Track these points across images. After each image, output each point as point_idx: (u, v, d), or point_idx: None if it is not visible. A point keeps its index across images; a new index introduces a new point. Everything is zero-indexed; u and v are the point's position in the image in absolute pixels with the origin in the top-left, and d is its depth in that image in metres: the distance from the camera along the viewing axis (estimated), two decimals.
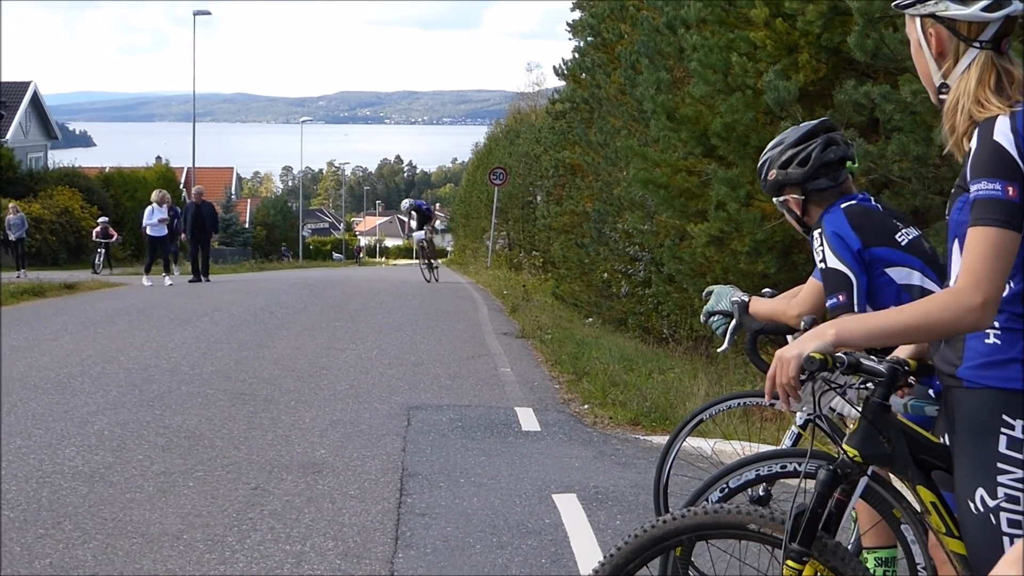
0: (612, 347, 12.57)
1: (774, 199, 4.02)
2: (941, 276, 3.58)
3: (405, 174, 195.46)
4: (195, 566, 4.86)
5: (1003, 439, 2.39)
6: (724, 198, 9.46)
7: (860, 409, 2.61)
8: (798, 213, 3.91)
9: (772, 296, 4.42)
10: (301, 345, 12.18)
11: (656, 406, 8.64)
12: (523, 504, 6.05)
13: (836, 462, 2.62)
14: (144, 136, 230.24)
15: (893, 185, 8.00)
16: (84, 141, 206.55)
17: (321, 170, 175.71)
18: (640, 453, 7.52)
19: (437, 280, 24.33)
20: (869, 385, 2.60)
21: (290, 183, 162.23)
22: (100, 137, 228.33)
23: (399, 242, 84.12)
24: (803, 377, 2.44)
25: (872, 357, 2.56)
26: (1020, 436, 2.37)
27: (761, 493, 3.46)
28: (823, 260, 3.58)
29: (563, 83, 26.47)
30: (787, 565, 2.59)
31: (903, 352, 2.77)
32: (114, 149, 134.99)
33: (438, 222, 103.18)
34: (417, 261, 29.30)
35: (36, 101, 46.10)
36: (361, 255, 78.99)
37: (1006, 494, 2.38)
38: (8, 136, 41.18)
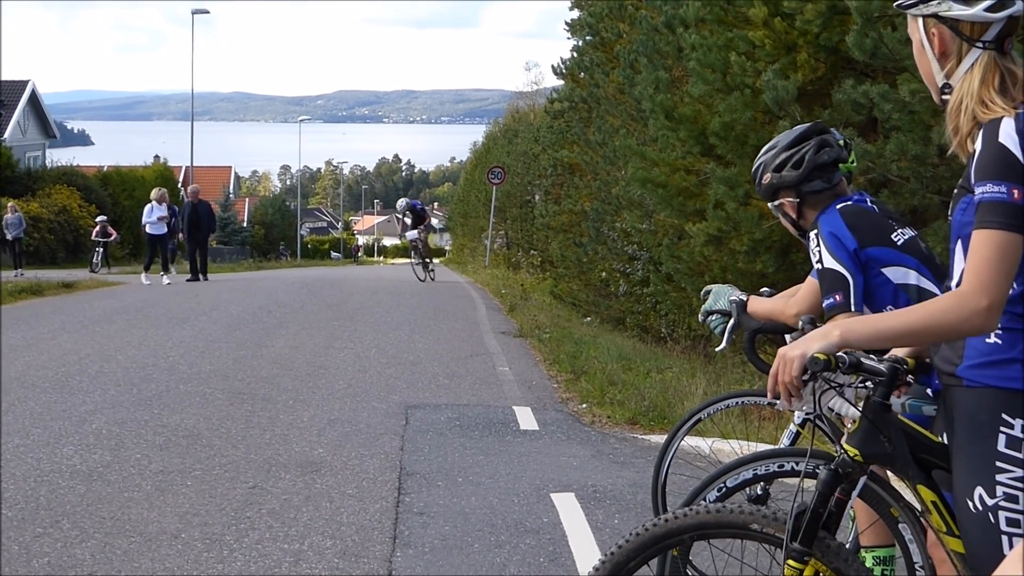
0: (610, 346, 12.57)
1: (769, 203, 4.02)
2: (937, 275, 3.59)
3: (403, 173, 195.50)
4: (193, 565, 4.86)
5: (1002, 438, 2.39)
6: (722, 197, 9.46)
7: (859, 408, 2.61)
8: (793, 216, 3.91)
9: (770, 295, 4.43)
10: (299, 344, 12.18)
11: (654, 405, 8.65)
12: (521, 503, 6.05)
13: (837, 461, 2.62)
14: (142, 135, 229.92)
15: (891, 184, 8.00)
16: (82, 140, 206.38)
17: (319, 169, 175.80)
18: (638, 452, 7.52)
19: (433, 280, 24.30)
20: (868, 384, 2.60)
21: (288, 182, 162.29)
22: (98, 136, 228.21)
23: (397, 241, 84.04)
24: (805, 377, 2.44)
25: (872, 356, 2.56)
26: (1019, 435, 2.37)
27: (759, 492, 3.46)
28: (819, 261, 3.59)
29: (561, 82, 26.46)
30: (788, 565, 2.59)
31: (901, 351, 2.77)
32: (112, 148, 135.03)
33: (436, 221, 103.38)
34: (408, 260, 29.26)
35: (34, 100, 46.08)
36: (359, 254, 78.99)
37: (1005, 493, 2.38)
38: (6, 135, 41.17)
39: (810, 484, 2.67)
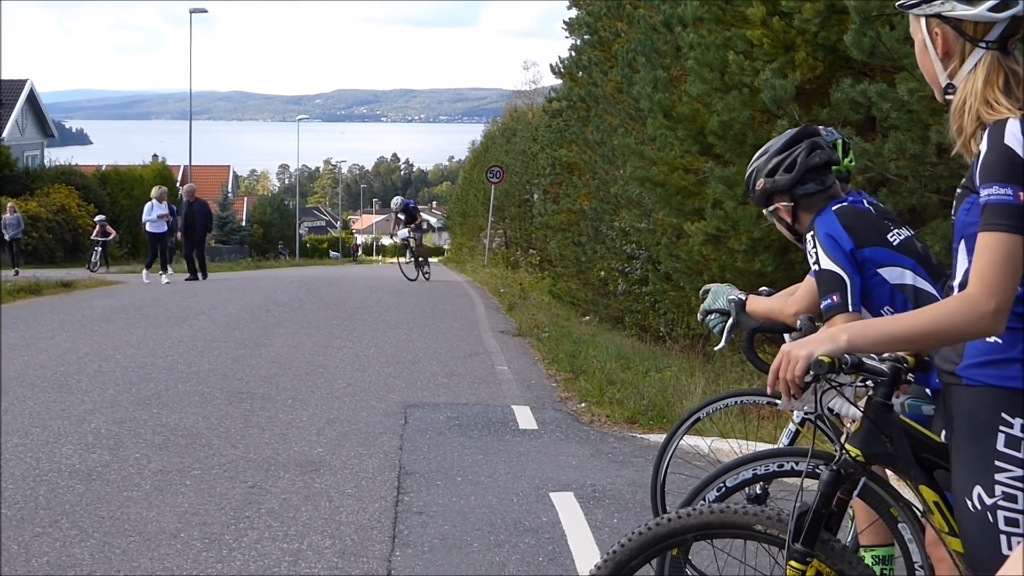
0: (609, 345, 12.57)
1: (764, 210, 4.02)
2: (934, 275, 3.59)
3: (402, 172, 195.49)
4: (192, 564, 4.86)
5: (1001, 437, 2.39)
6: (721, 196, 9.46)
7: (860, 408, 2.61)
8: (789, 221, 3.91)
9: (769, 294, 4.43)
10: (298, 343, 12.18)
11: (653, 404, 8.65)
12: (520, 502, 6.05)
13: (839, 462, 2.61)
14: (141, 134, 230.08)
15: (890, 183, 8.00)
16: (81, 139, 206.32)
17: (318, 168, 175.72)
18: (637, 451, 7.52)
19: (428, 279, 24.28)
20: (868, 383, 2.60)
21: (287, 181, 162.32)
22: (97, 135, 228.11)
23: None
24: (807, 379, 2.44)
25: (873, 356, 2.56)
26: (1018, 434, 2.37)
27: (758, 492, 3.46)
28: (816, 262, 3.59)
29: (560, 81, 26.45)
30: (790, 566, 2.58)
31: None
32: (111, 147, 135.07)
33: (434, 220, 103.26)
34: (396, 259, 29.23)
35: (32, 99, 46.02)
36: (358, 253, 78.97)
37: (1003, 492, 2.38)
38: (4, 134, 41.12)
39: (810, 484, 2.67)
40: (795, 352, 2.43)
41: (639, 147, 11.73)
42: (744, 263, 9.65)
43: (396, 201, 26.06)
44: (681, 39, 10.43)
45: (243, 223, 63.97)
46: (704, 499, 3.40)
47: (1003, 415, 2.39)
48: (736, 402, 4.71)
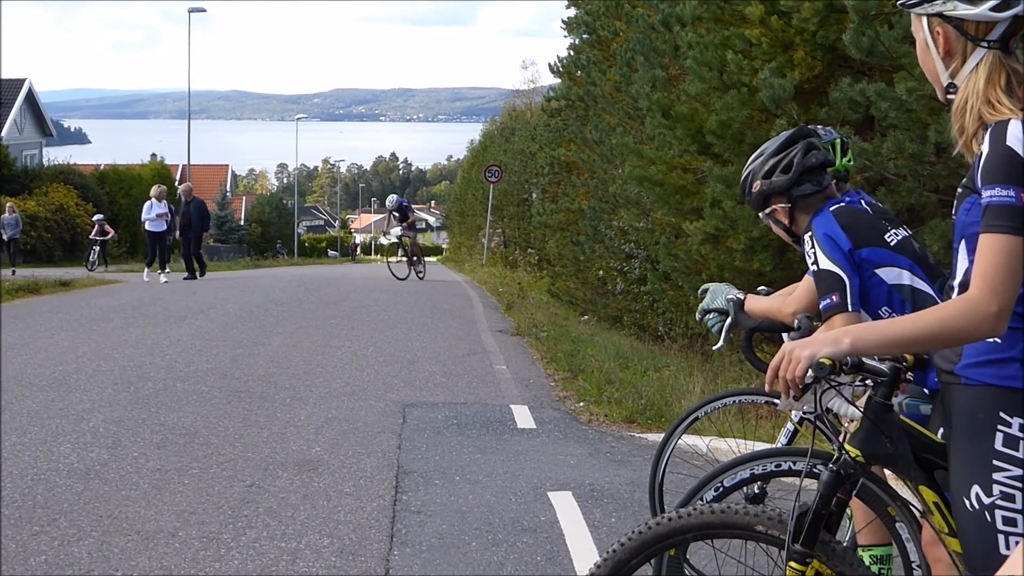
0: (607, 345, 12.58)
1: (760, 213, 4.01)
2: (931, 275, 3.59)
3: (400, 171, 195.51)
4: (190, 563, 4.85)
5: (1000, 436, 2.38)
6: (719, 196, 9.46)
7: (858, 407, 2.61)
8: (786, 223, 3.91)
9: (767, 294, 4.43)
10: (296, 342, 12.18)
11: (651, 404, 8.65)
12: (518, 501, 6.05)
13: (839, 462, 2.61)
14: (139, 133, 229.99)
15: (888, 182, 8.00)
16: (79, 138, 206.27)
17: (316, 167, 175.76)
18: (635, 451, 7.53)
19: (422, 278, 24.15)
20: (868, 382, 2.60)
21: (285, 180, 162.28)
22: (95, 134, 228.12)
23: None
24: (808, 380, 2.43)
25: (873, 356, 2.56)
26: (1017, 434, 2.37)
27: (756, 491, 3.46)
28: (815, 262, 3.59)
29: (558, 80, 26.44)
30: (790, 567, 2.57)
31: None
32: (109, 146, 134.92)
33: (433, 219, 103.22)
34: (386, 258, 29.16)
35: (31, 98, 46.03)
36: (356, 252, 78.92)
37: (1001, 491, 2.37)
38: (3, 133, 41.11)
39: (809, 483, 2.66)
40: (797, 352, 2.42)
41: (638, 146, 11.73)
42: (742, 262, 9.65)
43: (392, 199, 26.01)
44: (680, 38, 10.43)
45: (241, 222, 63.93)
46: (702, 499, 3.40)
47: (1001, 414, 2.39)
48: (734, 401, 4.71)
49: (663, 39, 11.54)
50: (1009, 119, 2.32)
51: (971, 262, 2.37)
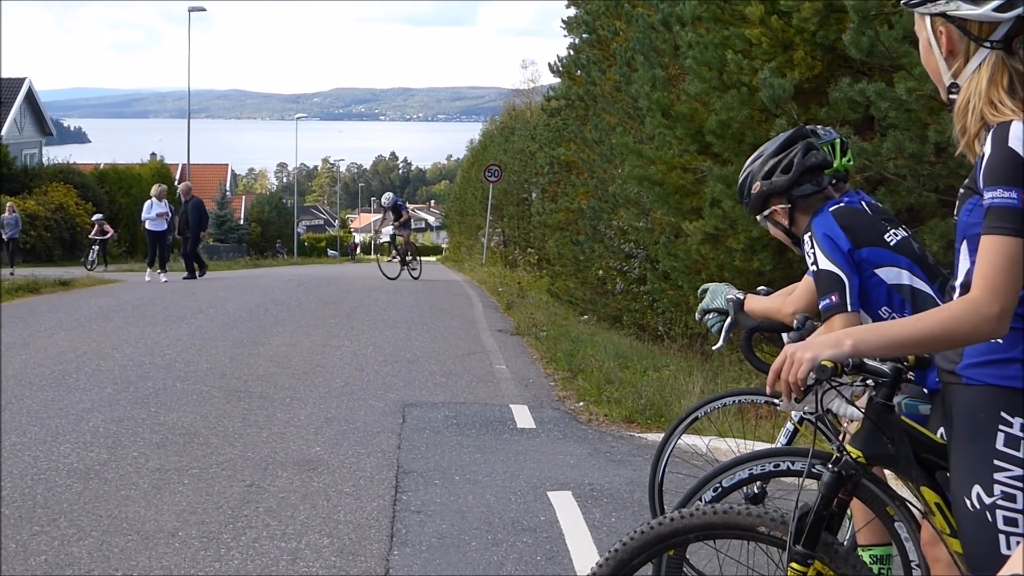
0: (607, 344, 12.57)
1: (758, 216, 4.01)
2: (930, 275, 3.59)
3: (400, 171, 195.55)
4: (190, 563, 4.86)
5: (1001, 436, 2.38)
6: (719, 195, 9.46)
7: (861, 409, 2.61)
8: (785, 224, 3.90)
9: (767, 294, 4.43)
10: (296, 342, 12.18)
11: (651, 403, 8.65)
12: (518, 501, 6.05)
13: (841, 463, 2.60)
14: (139, 132, 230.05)
15: (888, 182, 8.00)
16: (79, 137, 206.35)
17: (316, 167, 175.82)
18: (635, 450, 7.53)
19: (415, 277, 23.97)
20: (869, 382, 2.59)
21: (285, 180, 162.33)
22: (95, 133, 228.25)
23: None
24: (809, 382, 2.43)
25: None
26: (1018, 433, 2.37)
27: (756, 491, 3.46)
28: (814, 262, 3.59)
29: (558, 80, 26.42)
30: (791, 568, 2.57)
31: None
32: (109, 145, 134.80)
33: (433, 219, 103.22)
34: (376, 257, 28.99)
35: (31, 97, 46.02)
36: (356, 252, 78.90)
37: (1002, 491, 2.37)
38: (3, 132, 41.10)
39: (809, 483, 2.66)
40: (799, 355, 2.41)
41: (637, 146, 11.73)
42: (742, 262, 9.65)
43: (387, 196, 25.58)
44: (679, 38, 10.43)
45: (241, 222, 63.91)
46: (700, 499, 3.40)
47: (1003, 414, 2.38)
48: (734, 401, 4.71)
49: (663, 39, 11.54)
50: (1011, 120, 2.31)
51: (972, 263, 2.36)
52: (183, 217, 23.39)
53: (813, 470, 2.69)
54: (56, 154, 48.84)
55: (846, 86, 8.00)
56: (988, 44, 2.40)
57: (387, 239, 25.17)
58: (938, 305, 2.80)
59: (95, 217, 31.61)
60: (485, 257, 36.94)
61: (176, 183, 44.45)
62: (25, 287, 18.21)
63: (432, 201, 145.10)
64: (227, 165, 76.92)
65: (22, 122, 44.68)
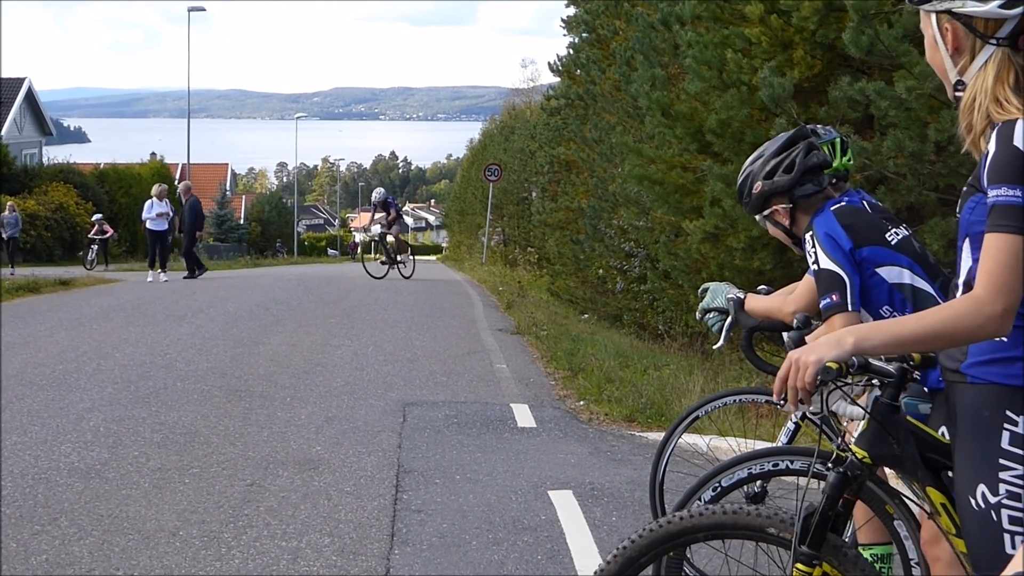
0: (607, 343, 12.57)
1: (758, 216, 4.01)
2: (931, 274, 3.59)
3: (400, 170, 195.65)
4: (191, 562, 4.86)
5: (1006, 435, 2.37)
6: (719, 194, 9.46)
7: (860, 405, 2.60)
8: (786, 224, 3.90)
9: (767, 293, 4.43)
10: (296, 342, 12.18)
11: (651, 403, 8.65)
12: (519, 500, 6.05)
13: (846, 464, 2.60)
14: (139, 132, 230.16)
15: (888, 181, 8.00)
16: (79, 137, 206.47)
17: (316, 166, 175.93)
18: (636, 450, 7.53)
19: (407, 277, 23.68)
20: (874, 382, 2.59)
21: (285, 179, 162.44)
22: (95, 133, 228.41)
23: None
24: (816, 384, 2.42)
25: (880, 356, 2.55)
26: (1023, 432, 2.37)
27: (756, 490, 3.46)
28: (815, 262, 3.59)
29: (558, 79, 26.40)
30: (797, 568, 2.56)
31: None
32: (109, 145, 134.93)
33: (433, 218, 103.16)
34: (361, 255, 28.70)
35: (31, 97, 46.02)
36: (356, 251, 78.89)
37: (1007, 491, 2.36)
38: (3, 132, 41.10)
39: (809, 482, 2.66)
40: (804, 359, 2.40)
41: (637, 145, 11.72)
42: (742, 261, 9.65)
43: (378, 192, 25.13)
44: (679, 37, 10.43)
45: (241, 221, 63.89)
46: (700, 499, 3.39)
47: (1007, 413, 2.38)
48: (735, 400, 4.71)
49: (662, 38, 11.54)
50: (1016, 118, 2.30)
51: (975, 261, 2.36)
52: (182, 217, 23.48)
53: (815, 470, 2.68)
54: (56, 154, 48.88)
55: (846, 85, 8.00)
56: (994, 41, 2.38)
57: (376, 237, 24.80)
58: (939, 304, 2.79)
59: (95, 217, 31.63)
60: (485, 256, 36.94)
61: (176, 183, 44.46)
62: (25, 286, 18.21)
63: (432, 200, 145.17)
64: (227, 165, 76.90)
65: (22, 122, 44.69)
